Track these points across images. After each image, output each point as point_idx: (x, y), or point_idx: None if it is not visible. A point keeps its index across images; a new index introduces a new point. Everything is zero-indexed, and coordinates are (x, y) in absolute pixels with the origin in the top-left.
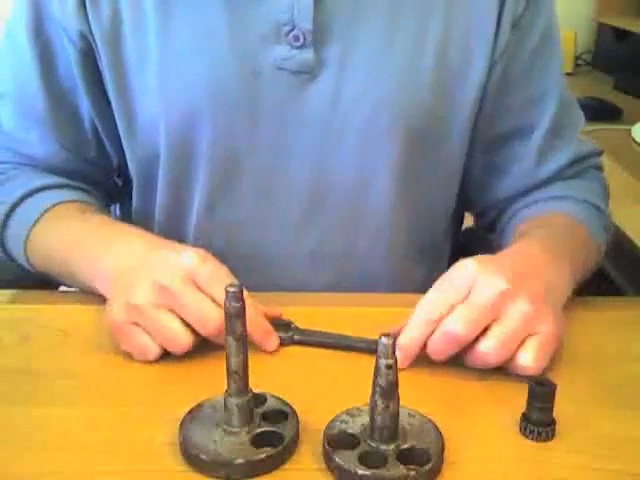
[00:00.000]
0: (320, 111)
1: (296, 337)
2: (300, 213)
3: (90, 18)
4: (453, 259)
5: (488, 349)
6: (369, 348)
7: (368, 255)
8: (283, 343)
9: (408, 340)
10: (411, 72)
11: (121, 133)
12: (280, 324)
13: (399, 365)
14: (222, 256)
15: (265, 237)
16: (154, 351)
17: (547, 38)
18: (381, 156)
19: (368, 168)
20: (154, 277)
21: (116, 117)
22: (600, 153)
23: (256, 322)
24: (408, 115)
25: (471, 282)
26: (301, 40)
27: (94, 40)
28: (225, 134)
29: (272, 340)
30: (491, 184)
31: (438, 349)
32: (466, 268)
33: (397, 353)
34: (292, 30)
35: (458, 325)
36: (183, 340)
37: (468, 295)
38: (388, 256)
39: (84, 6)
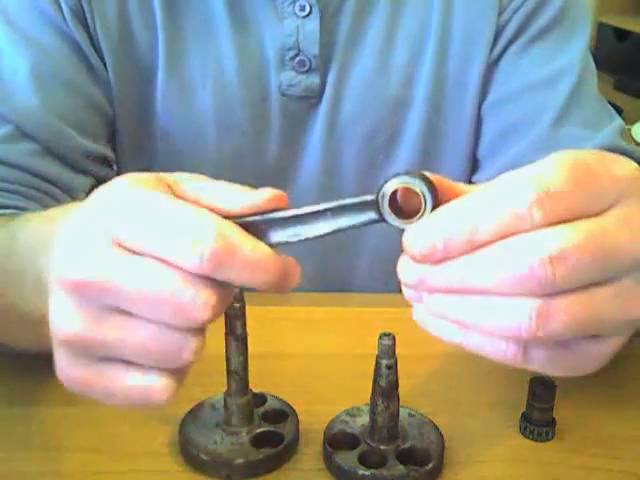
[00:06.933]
0: (322, 132)
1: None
2: None
3: (100, 37)
4: None
5: None
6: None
7: (369, 275)
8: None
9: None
10: (406, 89)
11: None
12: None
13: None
14: None
15: None
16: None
17: (560, 20)
18: (380, 173)
19: (368, 187)
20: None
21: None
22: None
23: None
24: (405, 132)
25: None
26: (307, 65)
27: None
28: (230, 159)
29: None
30: None
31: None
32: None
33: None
34: (297, 55)
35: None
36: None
37: None
38: (389, 274)
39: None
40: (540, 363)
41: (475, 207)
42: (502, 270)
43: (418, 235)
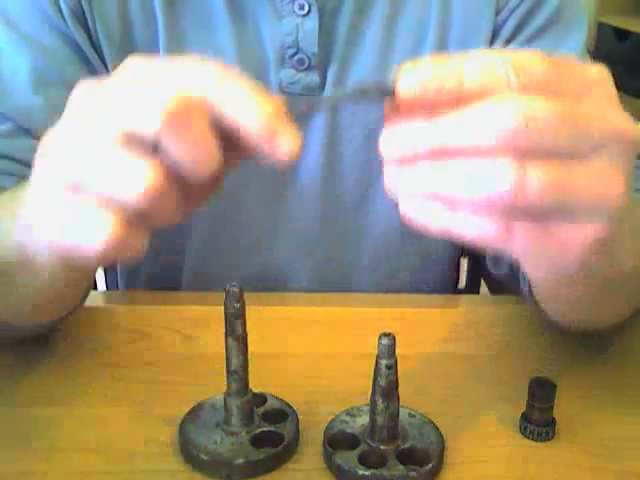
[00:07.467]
0: (322, 130)
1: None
2: (306, 234)
3: (99, 32)
4: (459, 266)
5: None
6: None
7: (370, 267)
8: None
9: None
10: None
11: None
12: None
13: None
14: (225, 279)
15: (270, 261)
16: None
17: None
18: (381, 171)
19: (368, 184)
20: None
21: None
22: None
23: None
24: None
25: None
26: (306, 63)
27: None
28: None
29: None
30: None
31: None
32: None
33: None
34: (296, 53)
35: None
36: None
37: None
38: (393, 267)
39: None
40: (522, 246)
41: (461, 60)
42: (480, 127)
43: (409, 75)
